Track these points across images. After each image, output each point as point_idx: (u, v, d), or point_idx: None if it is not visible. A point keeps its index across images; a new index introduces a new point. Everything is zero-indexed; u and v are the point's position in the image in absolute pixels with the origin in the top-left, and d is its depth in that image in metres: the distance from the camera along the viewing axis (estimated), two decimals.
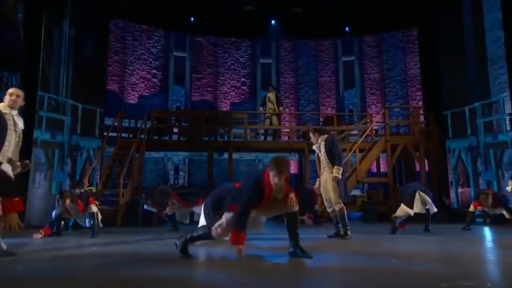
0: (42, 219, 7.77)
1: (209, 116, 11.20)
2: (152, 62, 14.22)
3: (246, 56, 15.27)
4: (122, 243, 4.64)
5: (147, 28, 14.11)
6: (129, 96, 13.59)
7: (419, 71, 13.31)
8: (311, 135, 4.97)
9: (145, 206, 8.27)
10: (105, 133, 10.40)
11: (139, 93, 13.85)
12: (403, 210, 5.71)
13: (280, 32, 14.49)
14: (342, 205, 4.84)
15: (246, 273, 2.64)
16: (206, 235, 3.06)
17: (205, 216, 4.33)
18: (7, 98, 3.39)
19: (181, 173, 13.51)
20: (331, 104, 14.97)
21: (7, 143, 3.20)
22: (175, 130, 11.12)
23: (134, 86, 13.77)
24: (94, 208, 5.46)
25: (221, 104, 14.69)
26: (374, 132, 11.64)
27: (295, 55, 15.30)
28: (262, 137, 11.85)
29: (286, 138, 11.47)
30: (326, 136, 4.89)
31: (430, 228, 5.81)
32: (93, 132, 10.30)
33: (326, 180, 4.79)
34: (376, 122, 11.22)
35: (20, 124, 3.37)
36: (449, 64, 9.70)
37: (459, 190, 9.70)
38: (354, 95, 14.80)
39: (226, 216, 2.97)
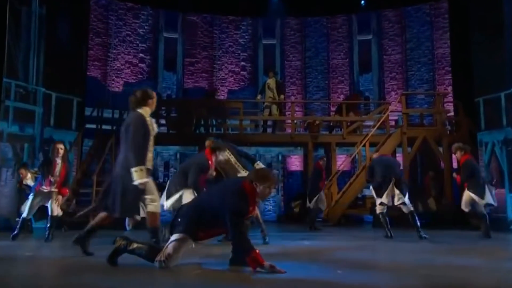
0: (9, 219, 7.95)
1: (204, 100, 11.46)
2: (139, 44, 14.21)
3: (246, 37, 15.16)
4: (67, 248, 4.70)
5: (133, 6, 14.11)
6: (113, 84, 13.66)
7: (449, 50, 13.02)
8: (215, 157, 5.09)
9: None
10: (86, 126, 10.58)
11: (124, 80, 13.88)
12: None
13: (285, 9, 14.43)
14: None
15: (167, 280, 2.75)
16: (147, 259, 3.09)
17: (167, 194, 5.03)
18: (154, 103, 3.71)
19: (172, 169, 13.46)
20: (343, 90, 14.70)
21: (150, 149, 3.54)
22: (164, 121, 11.32)
23: (118, 72, 13.81)
24: (55, 211, 5.63)
25: (218, 92, 14.55)
26: (394, 123, 11.78)
27: (303, 35, 15.13)
28: (262, 130, 11.85)
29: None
30: (224, 149, 5.08)
31: (422, 235, 5.73)
32: (69, 124, 10.40)
33: None
34: (393, 111, 11.17)
35: (156, 128, 3.69)
36: (484, 42, 9.47)
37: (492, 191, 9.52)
38: (370, 80, 14.47)
39: (173, 244, 3.03)
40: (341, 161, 11.37)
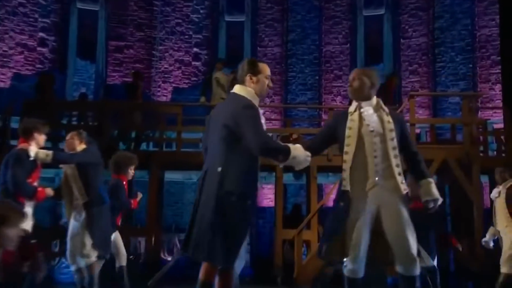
0: None
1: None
2: (39, 20, 13.62)
3: (201, 11, 14.73)
4: None
5: None
6: None
7: (498, 31, 12.63)
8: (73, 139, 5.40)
9: None
10: None
11: (15, 70, 13.35)
12: None
13: None
14: (95, 258, 5.18)
15: None
16: None
17: None
18: (261, 81, 3.53)
19: None
20: (341, 90, 14.14)
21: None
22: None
23: (5, 60, 13.26)
24: None
25: (158, 92, 14.01)
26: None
27: (284, 9, 14.81)
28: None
29: None
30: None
31: None
32: None
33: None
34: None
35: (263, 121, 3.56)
36: None
37: None
38: (381, 74, 13.74)
39: None
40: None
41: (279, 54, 14.60)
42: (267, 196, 13.44)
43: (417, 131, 11.41)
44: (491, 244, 6.45)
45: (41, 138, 5.07)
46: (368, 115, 3.42)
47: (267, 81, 3.46)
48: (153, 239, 9.73)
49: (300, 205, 12.08)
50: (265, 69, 3.49)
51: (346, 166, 3.39)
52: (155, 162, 9.88)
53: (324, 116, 13.37)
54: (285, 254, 10.08)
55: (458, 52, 13.52)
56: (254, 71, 3.42)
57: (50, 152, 4.95)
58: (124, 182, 5.76)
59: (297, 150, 3.31)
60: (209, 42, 14.57)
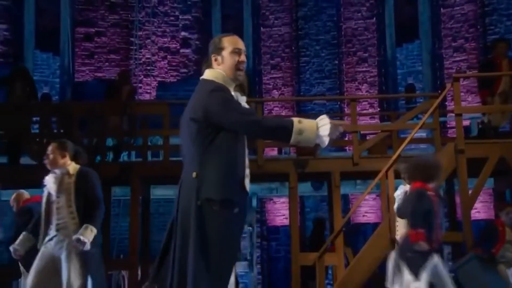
0: None
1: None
2: None
3: None
4: None
5: None
6: None
7: None
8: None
9: None
10: None
11: None
12: None
13: None
14: None
15: None
16: None
17: None
18: (230, 59, 3.51)
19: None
20: (368, 76, 14.12)
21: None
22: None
23: None
24: None
25: (139, 88, 14.09)
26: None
27: None
28: None
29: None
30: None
31: None
32: None
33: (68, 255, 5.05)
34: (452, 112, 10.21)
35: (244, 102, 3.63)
36: None
37: None
38: (417, 54, 13.94)
39: None
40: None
41: (288, 35, 14.52)
42: (279, 212, 13.52)
43: (466, 123, 11.26)
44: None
45: None
46: None
47: (235, 57, 3.36)
48: (138, 272, 9.66)
49: (323, 220, 11.98)
50: (231, 42, 3.42)
51: None
52: (137, 176, 9.63)
53: (346, 110, 13.00)
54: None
55: None
56: (216, 49, 3.39)
57: None
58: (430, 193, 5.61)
59: (304, 123, 3.19)
60: (200, 23, 14.84)
